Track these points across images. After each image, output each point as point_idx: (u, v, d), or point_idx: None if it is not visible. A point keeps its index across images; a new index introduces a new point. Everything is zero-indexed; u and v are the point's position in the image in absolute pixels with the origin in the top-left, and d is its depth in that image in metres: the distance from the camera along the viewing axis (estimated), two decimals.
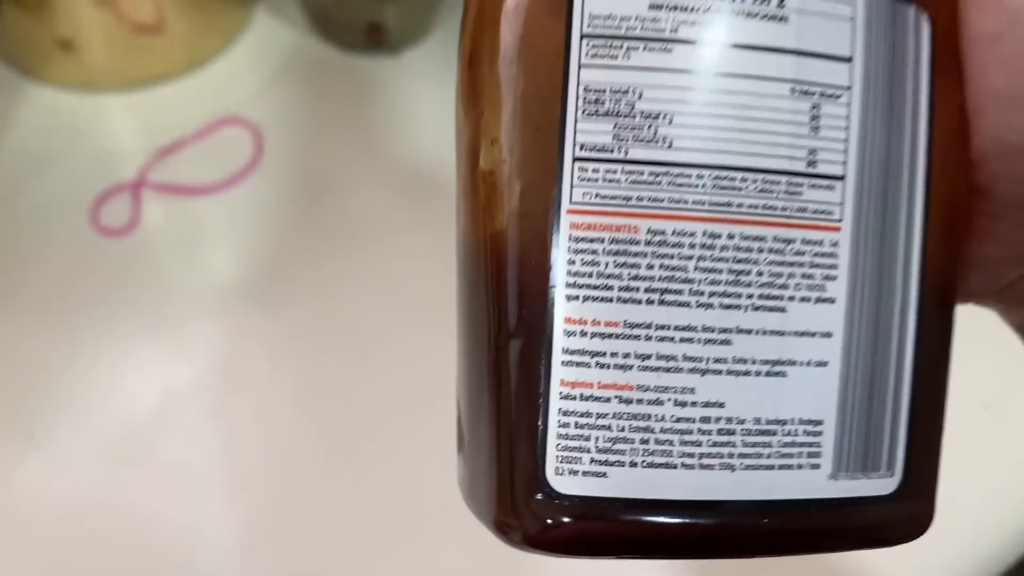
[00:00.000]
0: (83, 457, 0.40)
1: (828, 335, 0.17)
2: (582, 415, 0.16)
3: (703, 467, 0.17)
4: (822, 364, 0.17)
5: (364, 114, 0.54)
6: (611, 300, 0.16)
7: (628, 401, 0.16)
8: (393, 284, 0.46)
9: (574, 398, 0.16)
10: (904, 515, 0.18)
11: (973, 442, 0.34)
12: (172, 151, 0.51)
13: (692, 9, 0.16)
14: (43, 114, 0.53)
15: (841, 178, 0.17)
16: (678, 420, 0.16)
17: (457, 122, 0.18)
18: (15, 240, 0.48)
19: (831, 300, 0.17)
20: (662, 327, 0.16)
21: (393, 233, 0.48)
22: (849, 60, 0.17)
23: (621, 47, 0.16)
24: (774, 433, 0.17)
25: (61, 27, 0.52)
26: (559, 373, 0.16)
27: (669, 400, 0.16)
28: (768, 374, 0.17)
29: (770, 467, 0.17)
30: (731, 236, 0.16)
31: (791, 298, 0.17)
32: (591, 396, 0.16)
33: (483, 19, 0.17)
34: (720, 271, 0.16)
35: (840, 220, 0.17)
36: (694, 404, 0.16)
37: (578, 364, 0.16)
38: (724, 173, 0.16)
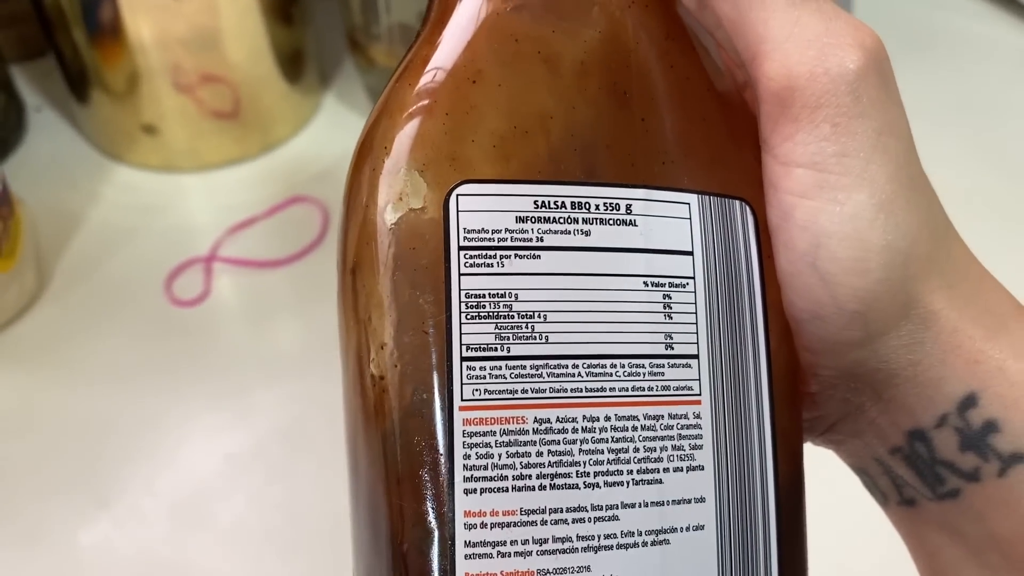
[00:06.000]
0: (148, 517, 0.42)
1: (702, 500, 0.18)
2: None
3: None
4: (699, 528, 0.18)
5: None
6: (507, 490, 0.17)
7: None
8: None
9: None
10: None
11: None
12: (243, 227, 0.54)
13: (553, 220, 0.18)
14: (126, 192, 0.57)
15: (696, 356, 0.18)
16: None
17: (341, 327, 0.19)
18: (95, 307, 0.50)
19: (701, 467, 0.18)
20: (555, 510, 0.17)
21: None
22: (690, 253, 0.19)
23: (495, 256, 0.18)
24: None
25: (146, 113, 0.56)
26: (463, 566, 0.17)
27: None
28: (653, 543, 0.18)
29: None
30: (607, 418, 0.18)
31: (666, 469, 0.18)
32: None
33: (364, 233, 0.18)
34: (602, 451, 0.17)
35: (699, 394, 0.18)
36: None
37: (480, 556, 0.17)
38: (596, 361, 0.18)
